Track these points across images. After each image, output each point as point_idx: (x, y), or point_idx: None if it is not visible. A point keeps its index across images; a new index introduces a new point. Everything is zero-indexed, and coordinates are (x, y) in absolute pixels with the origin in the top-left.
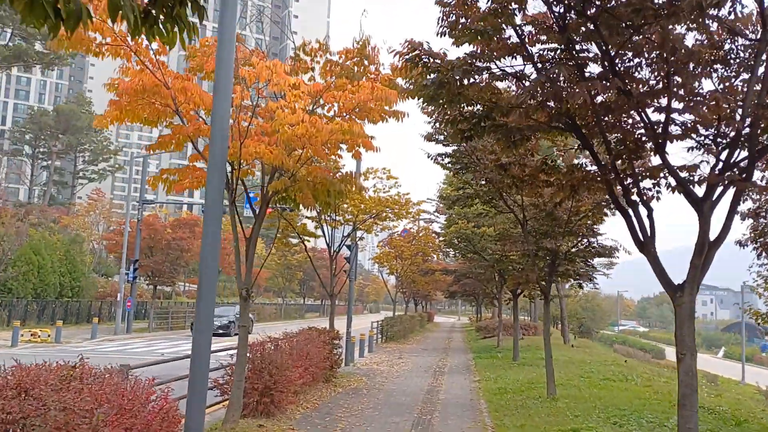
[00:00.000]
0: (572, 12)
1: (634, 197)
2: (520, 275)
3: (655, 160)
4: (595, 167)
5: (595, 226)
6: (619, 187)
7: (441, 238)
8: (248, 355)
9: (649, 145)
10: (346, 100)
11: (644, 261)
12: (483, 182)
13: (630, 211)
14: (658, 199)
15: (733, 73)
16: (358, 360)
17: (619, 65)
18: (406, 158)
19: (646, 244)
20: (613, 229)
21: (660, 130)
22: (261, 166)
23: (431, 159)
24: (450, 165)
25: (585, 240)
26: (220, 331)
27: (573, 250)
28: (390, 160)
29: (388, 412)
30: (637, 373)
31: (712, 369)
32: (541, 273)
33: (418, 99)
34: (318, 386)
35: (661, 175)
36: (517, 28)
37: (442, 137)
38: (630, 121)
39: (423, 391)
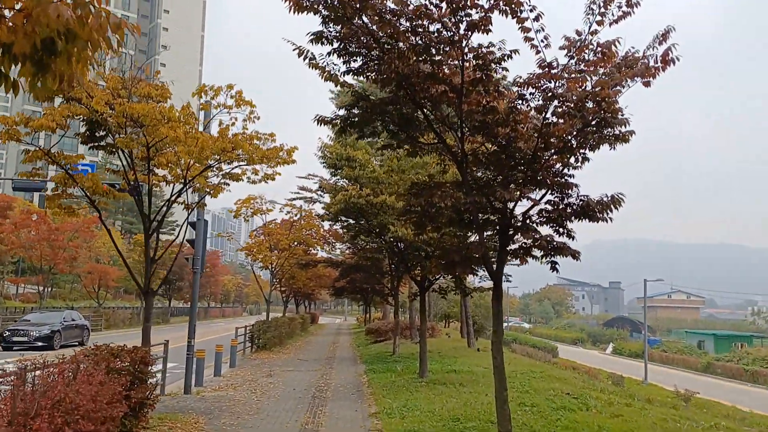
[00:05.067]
0: None
1: None
2: (455, 253)
3: None
4: None
5: (566, 171)
6: None
7: (325, 222)
8: None
9: None
10: None
11: None
12: (392, 88)
13: None
14: None
15: None
16: (211, 381)
17: None
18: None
19: None
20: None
21: None
22: None
23: (305, 59)
24: (336, 62)
25: (556, 192)
26: (39, 344)
27: (539, 208)
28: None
29: None
30: (582, 391)
31: (608, 367)
32: (487, 247)
33: None
34: None
35: None
36: None
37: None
38: None
39: None
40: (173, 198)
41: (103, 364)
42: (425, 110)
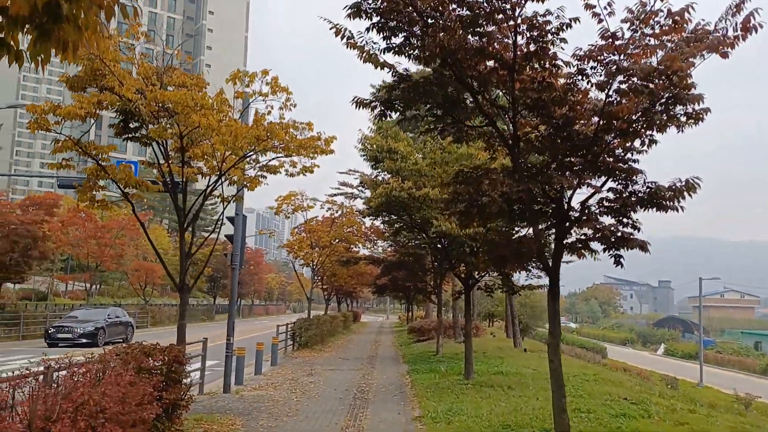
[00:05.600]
0: None
1: None
2: (505, 247)
3: None
4: None
5: (629, 156)
6: None
7: (366, 218)
8: None
9: None
10: None
11: None
12: (435, 67)
13: None
14: None
15: None
16: (251, 380)
17: None
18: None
19: None
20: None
21: None
22: None
23: (342, 37)
24: (376, 39)
25: (620, 179)
26: (83, 341)
27: (600, 197)
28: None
29: None
30: (640, 395)
31: (660, 368)
32: (542, 240)
33: None
34: None
35: None
36: None
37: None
38: None
39: None
40: (208, 191)
41: (131, 364)
42: (473, 90)
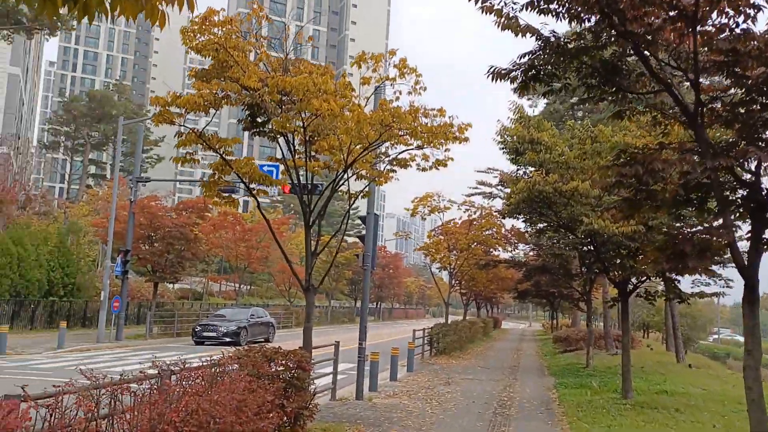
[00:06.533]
0: None
1: None
2: (686, 242)
3: None
4: None
5: None
6: None
7: (504, 218)
8: None
9: None
10: None
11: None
12: (591, 26)
13: None
14: None
15: None
16: (386, 386)
17: None
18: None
19: None
20: None
21: None
22: None
23: (476, 1)
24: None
25: None
26: (227, 339)
27: None
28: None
29: None
30: None
31: None
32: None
33: None
34: None
35: None
36: None
37: None
38: None
39: None
40: (335, 185)
41: (246, 369)
42: (640, 49)
